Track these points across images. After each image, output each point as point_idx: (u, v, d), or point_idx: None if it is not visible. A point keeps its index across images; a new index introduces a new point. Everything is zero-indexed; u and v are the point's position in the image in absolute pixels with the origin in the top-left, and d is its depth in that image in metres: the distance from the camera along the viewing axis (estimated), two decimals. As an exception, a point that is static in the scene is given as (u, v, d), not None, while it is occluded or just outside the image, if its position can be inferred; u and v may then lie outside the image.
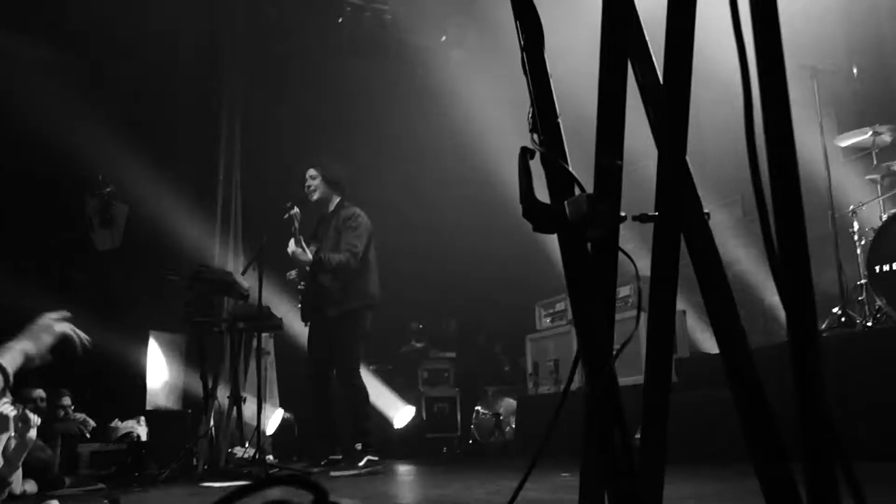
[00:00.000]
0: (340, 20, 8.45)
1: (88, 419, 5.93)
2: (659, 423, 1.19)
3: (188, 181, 7.49)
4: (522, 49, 1.32)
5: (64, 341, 1.95)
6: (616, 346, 1.19)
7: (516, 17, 1.33)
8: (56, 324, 1.94)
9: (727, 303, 1.10)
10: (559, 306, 7.15)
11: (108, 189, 7.20)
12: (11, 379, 1.82)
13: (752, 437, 0.97)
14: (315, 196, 5.78)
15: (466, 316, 9.19)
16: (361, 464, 5.28)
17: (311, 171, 5.81)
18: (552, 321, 7.22)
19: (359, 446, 5.43)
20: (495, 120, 7.37)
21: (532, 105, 1.31)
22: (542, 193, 1.19)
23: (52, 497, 2.85)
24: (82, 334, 1.99)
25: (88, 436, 5.30)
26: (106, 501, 3.26)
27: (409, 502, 3.45)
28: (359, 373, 5.62)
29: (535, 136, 1.29)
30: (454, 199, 8.84)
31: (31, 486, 4.51)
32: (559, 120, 1.28)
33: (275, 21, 8.23)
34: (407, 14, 8.39)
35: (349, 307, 5.61)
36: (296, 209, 5.58)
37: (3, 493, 3.90)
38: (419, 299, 8.67)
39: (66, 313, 2.00)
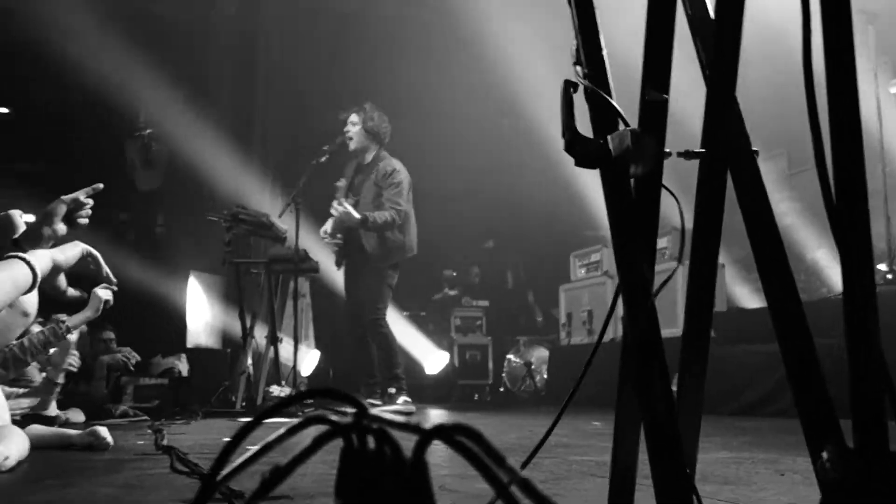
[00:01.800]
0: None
1: (133, 352, 6.06)
2: (696, 374, 1.18)
3: (226, 123, 7.52)
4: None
5: (89, 260, 2.10)
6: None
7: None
8: (82, 245, 2.08)
9: (774, 242, 1.08)
10: (594, 257, 7.11)
11: (147, 131, 7.26)
12: (39, 278, 1.90)
13: (797, 376, 0.95)
14: (353, 145, 5.71)
15: (496, 266, 9.18)
16: (397, 404, 5.37)
17: (353, 118, 5.70)
18: (587, 272, 7.19)
19: (392, 390, 5.51)
20: (532, 62, 7.20)
21: (576, 36, 1.28)
22: (584, 129, 1.17)
23: (100, 426, 2.94)
24: (107, 267, 2.13)
25: (133, 368, 5.43)
26: (150, 432, 3.36)
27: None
28: (385, 320, 5.65)
29: (579, 69, 1.26)
30: (488, 146, 8.75)
31: (78, 416, 4.67)
32: (604, 52, 1.25)
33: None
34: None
35: (393, 261, 5.64)
36: (341, 181, 5.57)
37: (54, 395, 4.15)
38: (452, 247, 8.68)
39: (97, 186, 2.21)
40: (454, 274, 8.67)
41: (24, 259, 1.88)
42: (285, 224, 5.44)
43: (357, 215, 5.47)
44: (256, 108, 7.81)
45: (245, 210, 5.45)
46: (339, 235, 5.71)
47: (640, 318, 1.05)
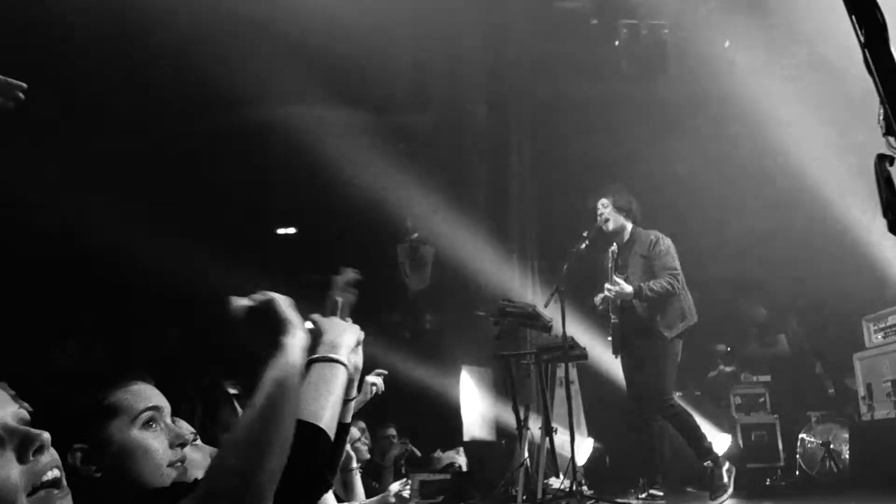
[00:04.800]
0: (616, 43, 8.37)
1: (410, 445, 6.34)
2: None
3: (484, 221, 7.85)
4: (863, 46, 1.20)
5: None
6: None
7: (851, 12, 1.21)
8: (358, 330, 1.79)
9: None
10: (892, 320, 6.35)
11: (415, 234, 7.79)
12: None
13: None
14: (610, 226, 5.71)
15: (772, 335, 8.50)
16: (725, 480, 5.14)
17: (603, 200, 5.76)
18: (884, 336, 6.43)
19: (708, 464, 5.26)
20: (795, 119, 6.84)
21: (882, 104, 1.18)
22: None
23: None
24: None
25: (418, 453, 5.69)
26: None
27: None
28: (675, 400, 5.43)
29: (892, 140, 1.16)
30: (755, 209, 8.28)
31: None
32: (920, 118, 1.13)
33: (553, 55, 8.38)
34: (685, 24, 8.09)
35: (675, 332, 5.46)
36: (614, 246, 5.58)
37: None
38: (723, 319, 8.21)
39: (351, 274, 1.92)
40: (728, 349, 8.17)
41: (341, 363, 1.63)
42: (550, 313, 5.49)
43: (629, 288, 5.39)
44: (511, 201, 8.10)
45: (511, 303, 5.58)
46: (613, 315, 5.64)
47: None
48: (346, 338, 1.67)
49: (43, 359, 6.46)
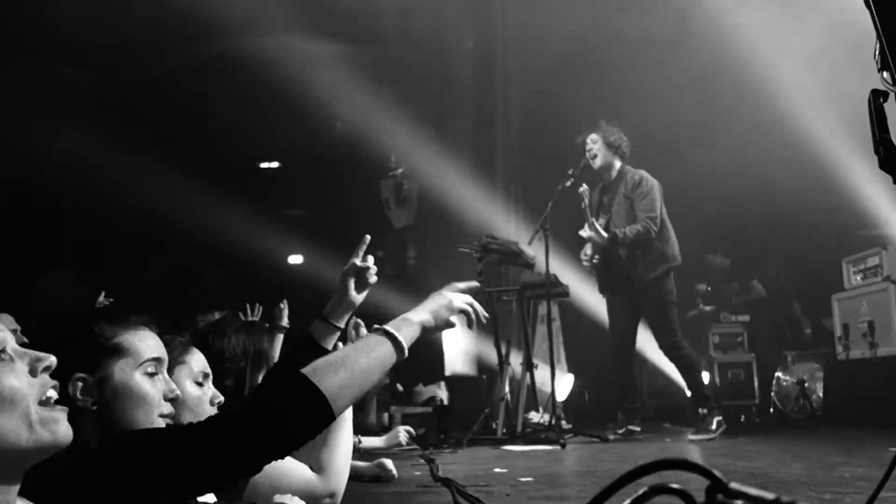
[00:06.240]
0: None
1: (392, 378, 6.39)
2: None
3: (470, 157, 7.79)
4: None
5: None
6: None
7: (852, -59, 1.18)
8: (457, 299, 1.65)
9: None
10: (872, 261, 6.41)
11: (399, 170, 7.73)
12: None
13: None
14: (598, 162, 5.65)
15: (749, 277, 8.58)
16: (713, 427, 5.22)
17: (593, 136, 5.67)
18: (864, 278, 6.50)
19: (703, 411, 5.35)
20: (790, 54, 6.78)
21: (878, 38, 1.15)
22: None
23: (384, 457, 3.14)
24: (480, 309, 1.68)
25: (400, 387, 5.76)
26: (424, 462, 3.51)
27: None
28: (682, 339, 5.48)
29: (886, 75, 1.13)
30: (739, 146, 8.24)
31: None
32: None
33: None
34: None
35: (654, 274, 5.47)
36: (584, 186, 5.53)
37: None
38: (704, 258, 8.27)
39: (474, 284, 1.74)
40: (708, 289, 8.25)
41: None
42: (533, 250, 5.50)
43: (604, 233, 5.39)
44: (497, 138, 8.04)
45: (495, 239, 5.59)
46: (596, 257, 5.65)
47: None
48: (420, 316, 1.60)
49: (36, 290, 6.45)
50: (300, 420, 1.30)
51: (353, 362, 1.38)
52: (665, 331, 5.45)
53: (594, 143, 5.65)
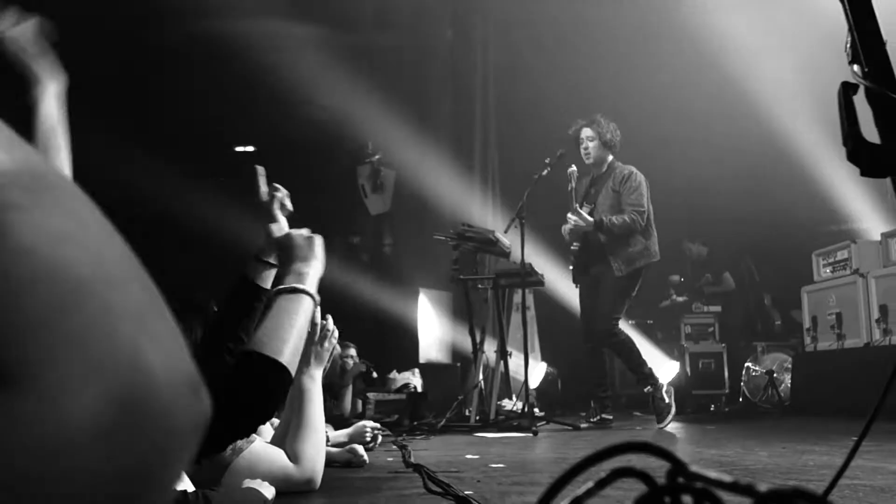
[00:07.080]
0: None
1: (370, 365, 6.39)
2: None
3: (448, 145, 7.78)
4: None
5: None
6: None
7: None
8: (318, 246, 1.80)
9: None
10: (841, 255, 6.52)
11: (376, 157, 7.70)
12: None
13: None
14: (591, 159, 5.60)
15: (730, 267, 8.67)
16: (667, 401, 5.25)
17: (588, 132, 5.58)
18: (833, 271, 6.61)
19: (648, 389, 5.37)
20: (764, 50, 6.83)
21: (850, 31, 1.16)
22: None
23: (357, 443, 3.14)
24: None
25: (375, 374, 5.76)
26: (396, 448, 3.52)
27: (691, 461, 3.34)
28: (619, 328, 5.51)
29: (857, 68, 1.15)
30: (717, 144, 8.32)
31: (329, 431, 5.00)
32: (886, 46, 1.12)
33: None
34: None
35: (634, 267, 5.47)
36: (573, 168, 5.49)
37: None
38: (679, 250, 8.34)
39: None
40: (681, 279, 8.33)
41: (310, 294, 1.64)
42: (509, 239, 5.51)
43: (590, 218, 5.37)
44: (476, 126, 8.04)
45: (471, 228, 5.59)
46: (575, 244, 5.66)
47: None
48: (313, 266, 1.68)
49: None
50: (273, 395, 1.38)
51: (292, 325, 1.52)
52: (606, 318, 5.42)
53: (590, 141, 5.58)
